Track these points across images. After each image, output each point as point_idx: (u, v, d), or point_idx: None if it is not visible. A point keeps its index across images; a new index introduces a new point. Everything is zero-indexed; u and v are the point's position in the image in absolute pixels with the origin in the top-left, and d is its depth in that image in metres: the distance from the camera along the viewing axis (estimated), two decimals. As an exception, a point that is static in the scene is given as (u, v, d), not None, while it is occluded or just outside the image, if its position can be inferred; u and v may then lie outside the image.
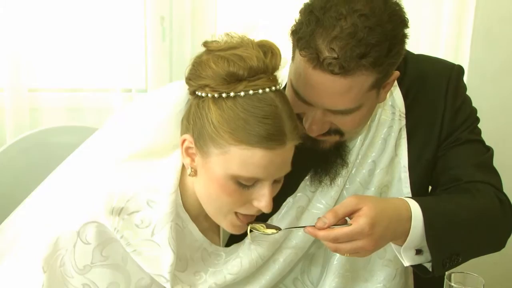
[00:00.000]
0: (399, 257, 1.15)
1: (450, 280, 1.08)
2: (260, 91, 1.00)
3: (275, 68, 1.04)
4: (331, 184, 1.25)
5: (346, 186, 1.28)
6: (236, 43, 1.03)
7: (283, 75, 1.11)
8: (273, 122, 0.99)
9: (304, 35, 1.06)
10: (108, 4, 1.90)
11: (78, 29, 1.92)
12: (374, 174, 1.29)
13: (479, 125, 1.34)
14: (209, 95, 1.02)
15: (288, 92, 1.15)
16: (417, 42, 2.07)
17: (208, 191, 1.06)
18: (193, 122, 1.05)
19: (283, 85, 1.08)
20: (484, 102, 1.54)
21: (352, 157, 1.27)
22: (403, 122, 1.29)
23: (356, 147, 1.27)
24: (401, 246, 1.12)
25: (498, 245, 1.26)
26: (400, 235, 1.11)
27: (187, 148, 1.07)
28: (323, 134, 1.16)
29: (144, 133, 1.13)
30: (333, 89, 1.07)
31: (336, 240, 1.04)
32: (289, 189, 1.11)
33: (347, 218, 1.06)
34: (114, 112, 1.92)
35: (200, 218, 1.15)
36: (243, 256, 1.20)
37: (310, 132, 1.15)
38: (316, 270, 1.34)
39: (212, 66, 1.01)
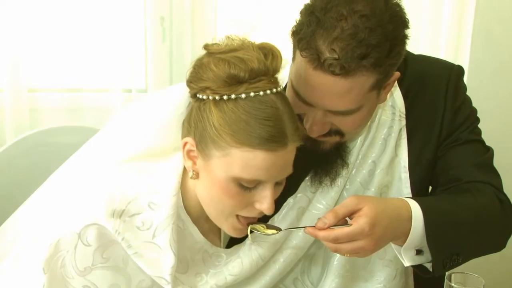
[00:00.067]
0: (400, 257, 1.15)
1: (450, 280, 1.08)
2: (261, 93, 1.00)
3: (276, 70, 1.04)
4: (331, 184, 1.25)
5: (346, 187, 1.29)
6: (236, 46, 1.03)
7: (283, 75, 1.11)
8: (274, 124, 0.99)
9: (305, 35, 1.06)
10: (108, 5, 1.90)
11: (78, 29, 1.92)
12: (374, 175, 1.29)
13: (479, 125, 1.34)
14: (210, 97, 1.01)
15: (288, 93, 1.15)
16: (417, 42, 2.07)
17: (209, 193, 1.06)
18: (194, 125, 1.05)
19: (283, 86, 1.08)
20: (484, 102, 1.54)
21: (352, 158, 1.27)
22: (403, 122, 1.30)
23: (356, 148, 1.27)
24: (402, 246, 1.12)
25: (498, 245, 1.26)
26: (400, 235, 1.11)
27: (189, 151, 1.07)
28: (323, 135, 1.16)
29: (145, 135, 1.13)
30: (333, 90, 1.07)
31: (336, 240, 1.04)
32: (289, 190, 1.11)
33: (347, 218, 1.07)
34: (114, 112, 1.93)
35: (201, 220, 1.15)
36: (244, 257, 1.20)
37: (310, 133, 1.15)
38: (316, 270, 1.35)
39: (213, 69, 1.01)
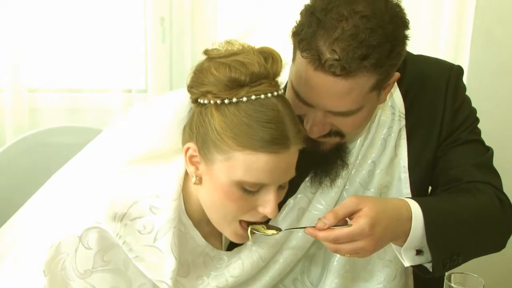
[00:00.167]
0: (400, 257, 1.15)
1: (450, 281, 1.08)
2: (262, 96, 1.00)
3: (276, 73, 1.04)
4: (331, 185, 1.25)
5: (346, 187, 1.29)
6: (237, 50, 1.03)
7: (283, 76, 1.11)
8: (276, 126, 0.99)
9: (305, 36, 1.06)
10: (108, 5, 1.90)
11: (78, 30, 1.92)
12: (374, 175, 1.29)
13: (479, 125, 1.34)
14: (212, 101, 1.01)
15: (288, 94, 1.15)
16: (416, 43, 2.06)
17: (212, 198, 1.06)
18: (196, 130, 1.04)
19: (283, 87, 1.08)
20: (484, 102, 1.54)
21: (352, 158, 1.27)
22: (403, 122, 1.30)
23: (356, 148, 1.27)
24: (402, 246, 1.12)
25: (498, 245, 1.26)
26: (400, 235, 1.11)
27: (191, 157, 1.07)
28: (323, 136, 1.16)
29: (145, 138, 1.13)
30: (334, 91, 1.07)
31: (336, 240, 1.04)
32: (289, 191, 1.11)
33: (347, 218, 1.07)
34: (114, 112, 1.93)
35: (203, 223, 1.15)
36: (245, 258, 1.20)
37: (310, 134, 1.15)
38: (316, 270, 1.35)
39: (213, 73, 1.01)
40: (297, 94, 1.13)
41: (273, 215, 1.05)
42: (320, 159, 1.22)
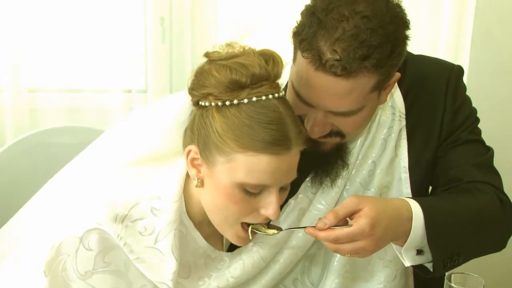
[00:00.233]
0: (400, 257, 1.15)
1: (450, 281, 1.08)
2: (263, 97, 1.00)
3: (277, 75, 1.04)
4: (331, 185, 1.25)
5: (347, 187, 1.29)
6: (237, 52, 1.03)
7: (283, 77, 1.11)
8: (278, 127, 0.99)
9: (306, 36, 1.06)
10: (108, 5, 1.90)
11: (78, 30, 1.92)
12: (374, 175, 1.29)
13: (479, 125, 1.34)
14: (213, 103, 1.01)
15: (289, 94, 1.15)
16: (417, 43, 2.06)
17: (214, 200, 1.06)
18: (197, 132, 1.04)
19: (283, 87, 1.08)
20: (484, 102, 1.54)
21: (352, 158, 1.27)
22: (403, 122, 1.30)
23: (356, 148, 1.27)
24: (402, 246, 1.12)
25: (498, 245, 1.26)
26: (401, 235, 1.11)
27: (193, 159, 1.07)
28: (324, 136, 1.16)
29: (146, 140, 1.13)
30: (335, 91, 1.07)
31: (336, 240, 1.04)
32: (290, 191, 1.11)
33: (347, 218, 1.07)
34: (114, 112, 1.93)
35: (204, 224, 1.15)
36: (246, 259, 1.20)
37: (311, 134, 1.15)
38: (316, 270, 1.35)
39: (214, 75, 1.01)
40: (297, 94, 1.13)
41: (275, 216, 1.04)
42: (321, 159, 1.22)
